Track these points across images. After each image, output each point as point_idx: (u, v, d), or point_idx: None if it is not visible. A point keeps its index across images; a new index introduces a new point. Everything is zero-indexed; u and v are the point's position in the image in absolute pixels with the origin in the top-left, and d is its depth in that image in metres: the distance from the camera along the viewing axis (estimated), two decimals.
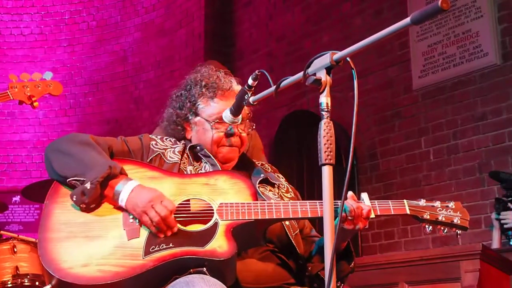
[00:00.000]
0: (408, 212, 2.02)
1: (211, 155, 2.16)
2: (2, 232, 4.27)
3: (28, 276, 3.92)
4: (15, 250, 3.98)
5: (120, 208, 1.92)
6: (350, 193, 1.98)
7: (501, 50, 4.96)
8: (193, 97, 2.23)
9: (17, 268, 3.93)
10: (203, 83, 2.23)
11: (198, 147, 2.17)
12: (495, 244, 4.44)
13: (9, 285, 3.90)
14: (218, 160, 2.16)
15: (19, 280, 3.90)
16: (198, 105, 2.21)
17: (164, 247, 1.83)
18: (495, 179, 4.57)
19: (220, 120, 2.14)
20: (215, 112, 2.17)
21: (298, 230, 2.15)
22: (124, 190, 1.89)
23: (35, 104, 3.46)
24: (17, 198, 7.59)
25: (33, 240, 4.09)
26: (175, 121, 2.26)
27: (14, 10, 8.38)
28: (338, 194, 1.63)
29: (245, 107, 2.22)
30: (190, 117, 2.23)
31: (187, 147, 2.19)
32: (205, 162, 2.15)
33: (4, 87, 8.37)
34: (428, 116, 5.34)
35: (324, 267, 1.57)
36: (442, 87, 5.29)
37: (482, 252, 3.30)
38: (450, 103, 5.20)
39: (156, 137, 2.22)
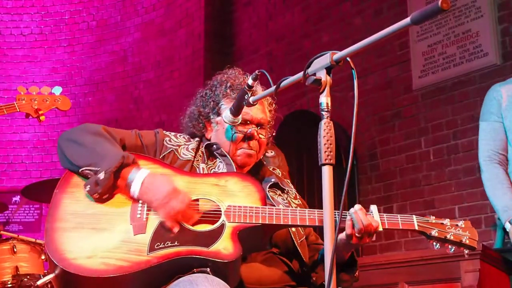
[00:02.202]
0: (416, 228, 1.99)
1: (228, 155, 2.15)
2: (2, 232, 4.28)
3: (28, 276, 3.92)
4: (15, 250, 3.99)
5: (130, 200, 1.92)
6: (358, 206, 1.96)
7: (501, 50, 4.96)
8: (217, 97, 2.24)
9: (17, 268, 3.94)
10: (229, 84, 2.24)
11: (214, 146, 2.17)
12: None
13: (9, 285, 3.90)
14: (235, 163, 2.16)
15: (19, 280, 3.90)
16: (221, 105, 2.22)
17: (169, 244, 1.83)
18: None
19: (242, 122, 2.14)
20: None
21: (304, 237, 2.15)
22: (135, 180, 1.90)
23: (42, 118, 3.44)
24: (17, 198, 7.59)
25: (33, 240, 4.09)
26: (197, 118, 2.27)
27: (14, 10, 8.38)
28: (338, 193, 1.63)
29: (268, 114, 2.24)
30: (212, 116, 2.24)
31: (203, 145, 2.19)
32: (220, 162, 2.15)
33: (4, 87, 8.37)
34: (428, 116, 5.34)
35: None
36: (442, 87, 5.29)
37: (482, 252, 3.30)
38: (450, 103, 5.20)
39: (170, 133, 2.22)
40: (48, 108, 3.45)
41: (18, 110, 3.38)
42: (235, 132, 2.15)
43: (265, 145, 2.25)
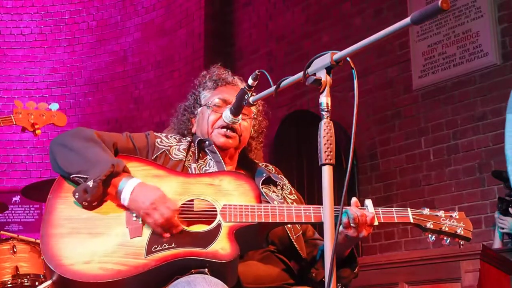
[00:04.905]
0: (411, 220, 2.00)
1: (217, 152, 2.15)
2: (2, 232, 4.28)
3: (28, 276, 3.92)
4: (15, 250, 3.99)
5: (124, 206, 1.91)
6: (354, 199, 1.96)
7: (501, 50, 4.96)
8: (198, 90, 2.32)
9: (17, 268, 3.94)
10: (207, 76, 2.32)
11: (207, 142, 2.17)
12: (497, 243, 4.43)
13: (9, 285, 3.90)
14: (216, 147, 2.16)
15: (19, 280, 3.90)
16: (201, 95, 2.30)
17: (167, 247, 1.82)
18: (498, 178, 4.55)
19: (218, 104, 2.19)
20: (215, 96, 2.22)
21: (300, 233, 2.15)
22: (125, 189, 1.88)
23: (38, 132, 3.48)
24: (17, 198, 7.59)
25: (33, 240, 4.09)
26: (182, 113, 2.33)
27: (14, 10, 8.38)
28: (338, 193, 1.63)
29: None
30: (194, 110, 2.29)
31: (195, 142, 2.19)
32: (210, 159, 2.15)
33: (4, 87, 8.37)
34: (428, 116, 5.34)
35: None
36: (442, 87, 5.29)
37: (482, 252, 3.30)
38: (450, 103, 5.20)
39: (161, 134, 2.22)
40: (44, 123, 3.51)
41: (15, 123, 3.42)
42: (212, 113, 2.20)
43: (247, 131, 2.25)
